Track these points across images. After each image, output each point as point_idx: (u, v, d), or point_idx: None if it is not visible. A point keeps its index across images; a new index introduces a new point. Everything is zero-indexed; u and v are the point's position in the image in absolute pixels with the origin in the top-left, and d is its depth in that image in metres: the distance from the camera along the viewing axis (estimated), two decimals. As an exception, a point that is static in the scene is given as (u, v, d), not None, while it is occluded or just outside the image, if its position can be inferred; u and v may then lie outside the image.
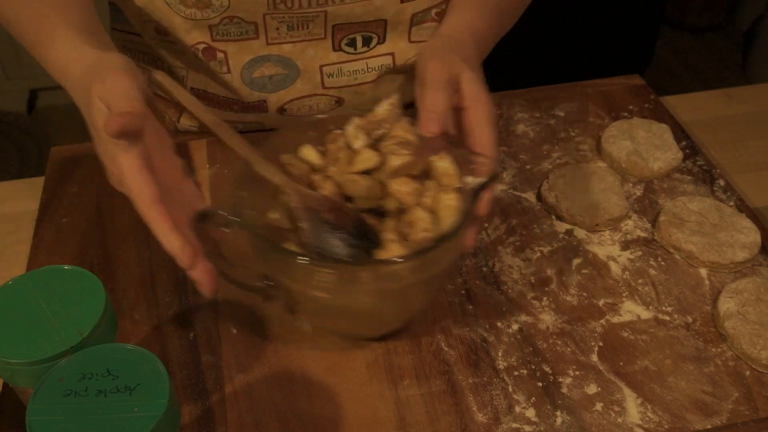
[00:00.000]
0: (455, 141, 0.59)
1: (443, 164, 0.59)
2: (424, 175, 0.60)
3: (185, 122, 0.88)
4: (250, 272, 0.57)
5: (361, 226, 0.58)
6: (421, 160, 0.59)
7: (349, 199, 0.61)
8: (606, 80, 0.95)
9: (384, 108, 0.62)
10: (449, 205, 0.57)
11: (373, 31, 0.79)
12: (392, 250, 0.55)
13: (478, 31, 0.69)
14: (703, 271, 0.71)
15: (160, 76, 0.59)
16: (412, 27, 0.81)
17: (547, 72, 1.97)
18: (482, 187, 0.55)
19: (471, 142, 0.59)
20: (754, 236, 0.72)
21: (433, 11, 0.81)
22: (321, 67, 0.81)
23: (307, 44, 0.79)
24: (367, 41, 0.81)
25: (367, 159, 0.59)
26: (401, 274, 0.54)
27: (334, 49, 0.80)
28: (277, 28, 0.77)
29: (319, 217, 0.55)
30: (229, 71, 0.80)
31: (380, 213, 0.60)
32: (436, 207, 0.58)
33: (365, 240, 0.56)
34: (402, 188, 0.58)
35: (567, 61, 2.17)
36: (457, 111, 0.60)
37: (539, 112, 0.89)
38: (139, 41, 0.83)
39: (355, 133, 0.62)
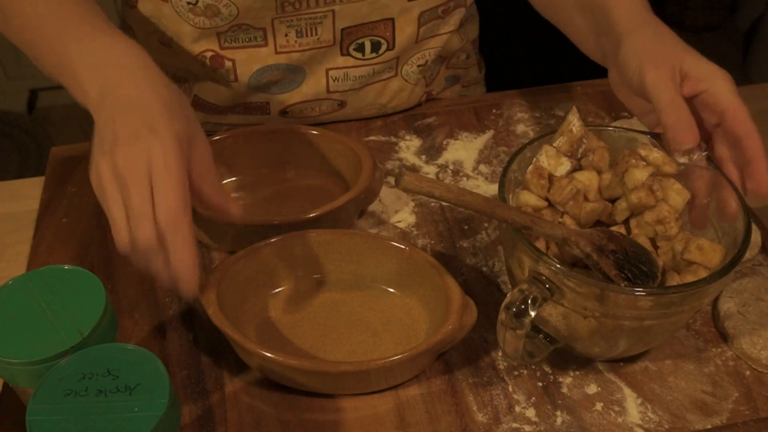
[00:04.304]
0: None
1: (656, 154, 0.60)
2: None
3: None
4: None
5: (634, 246, 0.58)
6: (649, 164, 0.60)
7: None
8: (606, 80, 0.95)
9: (576, 125, 0.61)
10: (678, 188, 0.59)
11: (382, 34, 0.79)
12: (698, 273, 0.56)
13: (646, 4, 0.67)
14: (703, 271, 0.71)
15: (409, 178, 0.55)
16: (420, 28, 0.80)
17: (547, 72, 1.97)
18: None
19: (729, 125, 0.60)
20: (754, 236, 0.71)
21: (440, 9, 0.80)
22: (327, 70, 0.81)
23: (316, 51, 0.79)
24: (376, 47, 0.80)
25: (632, 179, 0.59)
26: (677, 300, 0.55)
27: (342, 54, 0.80)
28: (286, 35, 0.77)
29: (607, 248, 0.57)
30: (236, 79, 0.80)
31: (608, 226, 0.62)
32: (665, 196, 0.59)
33: (645, 263, 0.57)
34: (641, 193, 0.58)
35: (567, 61, 2.16)
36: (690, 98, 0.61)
37: (539, 112, 0.89)
38: None
39: (554, 162, 0.61)
